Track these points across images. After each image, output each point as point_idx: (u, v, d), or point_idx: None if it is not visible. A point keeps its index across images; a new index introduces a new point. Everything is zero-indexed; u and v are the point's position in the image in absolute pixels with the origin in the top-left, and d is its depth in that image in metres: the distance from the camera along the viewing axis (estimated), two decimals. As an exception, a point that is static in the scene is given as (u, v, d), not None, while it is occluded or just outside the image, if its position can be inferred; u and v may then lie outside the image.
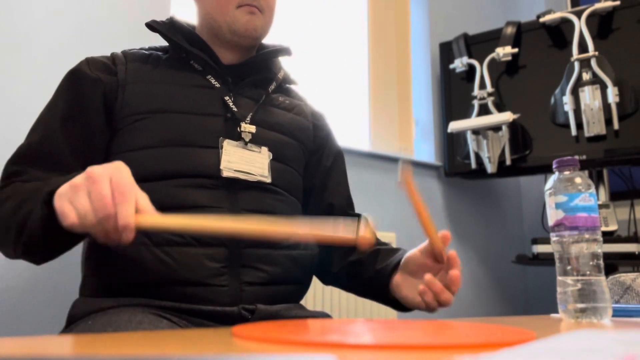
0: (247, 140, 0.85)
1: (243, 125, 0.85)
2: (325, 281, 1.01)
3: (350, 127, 2.04)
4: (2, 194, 0.75)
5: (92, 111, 0.82)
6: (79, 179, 0.60)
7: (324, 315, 0.90)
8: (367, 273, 0.89)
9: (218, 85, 0.87)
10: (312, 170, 0.99)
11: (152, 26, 0.90)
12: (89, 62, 0.85)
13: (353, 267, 0.93)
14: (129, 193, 0.58)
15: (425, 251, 0.80)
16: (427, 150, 2.28)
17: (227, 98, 0.86)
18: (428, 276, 0.75)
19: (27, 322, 1.12)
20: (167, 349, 0.40)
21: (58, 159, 0.79)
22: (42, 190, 0.65)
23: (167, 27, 0.90)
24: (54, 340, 0.46)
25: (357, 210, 1.07)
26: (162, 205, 0.77)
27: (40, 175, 0.76)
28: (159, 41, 0.94)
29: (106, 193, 0.57)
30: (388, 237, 1.76)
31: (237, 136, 0.84)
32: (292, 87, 1.02)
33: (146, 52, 0.90)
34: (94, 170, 0.59)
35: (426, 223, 0.74)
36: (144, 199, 0.60)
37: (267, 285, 0.80)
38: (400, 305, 0.87)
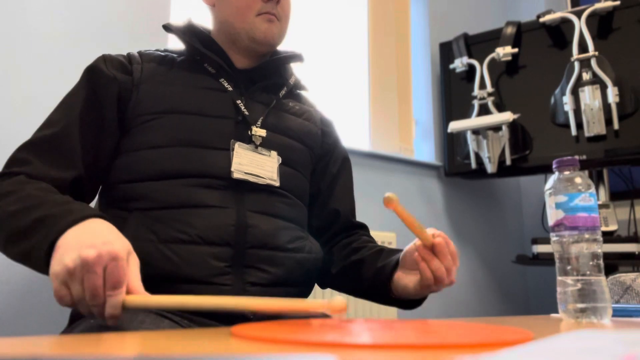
0: (257, 143, 0.86)
1: (254, 128, 0.86)
2: (323, 284, 1.00)
3: (350, 127, 2.04)
4: (3, 183, 0.74)
5: (106, 108, 0.83)
6: (74, 261, 0.59)
7: (324, 315, 0.91)
8: (369, 272, 0.89)
9: (230, 88, 0.88)
10: (319, 176, 1.00)
11: (169, 28, 0.90)
12: (105, 59, 0.86)
13: (355, 267, 0.93)
14: (119, 285, 0.58)
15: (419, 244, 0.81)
16: (427, 150, 2.28)
17: (238, 101, 0.87)
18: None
19: (28, 322, 1.12)
20: (166, 348, 0.40)
21: (68, 156, 0.79)
22: (42, 231, 0.66)
23: (182, 30, 0.91)
24: (54, 340, 0.46)
25: (357, 210, 1.07)
26: (170, 204, 0.77)
27: (44, 171, 0.76)
28: (160, 42, 0.94)
29: (99, 285, 0.58)
30: (388, 237, 1.76)
31: (247, 139, 0.86)
32: (303, 93, 1.03)
33: (161, 53, 0.92)
34: (89, 257, 0.58)
35: (413, 228, 0.76)
36: (136, 281, 0.61)
37: (271, 287, 0.80)
38: (400, 303, 0.87)
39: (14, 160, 0.78)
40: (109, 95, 0.83)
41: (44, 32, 1.24)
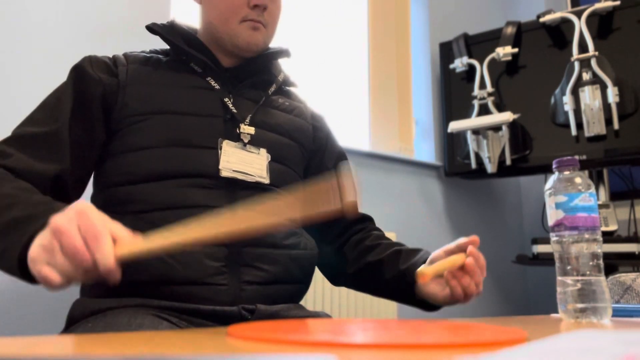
0: (246, 141, 0.85)
1: (242, 126, 0.86)
2: (337, 282, 1.01)
3: (350, 127, 2.04)
4: None
5: (92, 109, 0.83)
6: (46, 237, 0.57)
7: (324, 315, 0.90)
8: (391, 273, 0.90)
9: (218, 87, 0.88)
10: (315, 173, 1.00)
11: (152, 29, 0.90)
12: (91, 60, 0.86)
13: (373, 268, 0.93)
14: (100, 235, 0.55)
15: (450, 252, 0.82)
16: (427, 150, 2.28)
17: (226, 99, 0.87)
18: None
19: (27, 322, 1.12)
20: (161, 348, 0.40)
21: (54, 150, 0.78)
22: (13, 231, 0.62)
23: (167, 30, 0.91)
24: (54, 340, 0.46)
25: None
26: (162, 205, 0.77)
27: (24, 163, 0.74)
28: (160, 43, 0.94)
29: (79, 244, 0.54)
30: (388, 237, 1.76)
31: (236, 137, 0.85)
32: (292, 89, 1.03)
33: (147, 54, 0.91)
34: (58, 222, 0.55)
35: (449, 266, 0.78)
36: (118, 230, 0.57)
37: (267, 285, 0.80)
38: (424, 305, 0.87)
39: None
40: (95, 96, 0.83)
41: (43, 32, 1.24)
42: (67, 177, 0.80)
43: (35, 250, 0.58)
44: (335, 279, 1.01)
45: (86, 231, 0.55)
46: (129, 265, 0.74)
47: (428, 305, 0.88)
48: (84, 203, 0.59)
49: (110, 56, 0.89)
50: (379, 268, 0.92)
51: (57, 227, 0.55)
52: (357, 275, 0.96)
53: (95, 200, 0.84)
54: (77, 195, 0.84)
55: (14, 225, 0.63)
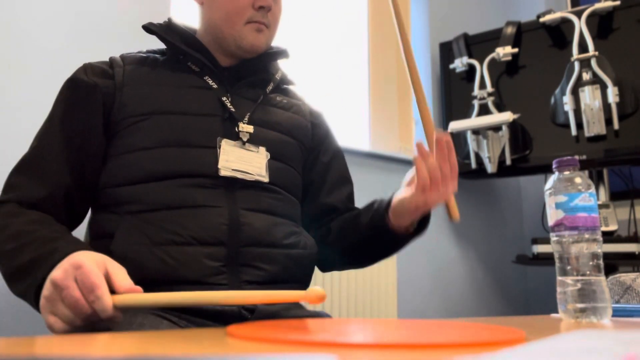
0: (244, 140, 0.85)
1: (241, 125, 0.86)
2: (325, 266, 1.00)
3: (350, 127, 2.04)
4: None
5: (89, 117, 0.83)
6: (48, 289, 0.62)
7: (324, 315, 0.90)
8: (366, 217, 0.91)
9: (215, 86, 0.88)
10: (310, 167, 1.00)
11: (149, 28, 0.90)
12: (86, 68, 0.86)
13: (351, 221, 0.94)
14: (96, 286, 0.58)
15: (411, 181, 0.84)
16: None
17: (224, 98, 0.87)
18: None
19: (27, 322, 1.12)
20: (161, 348, 0.40)
21: (53, 171, 0.80)
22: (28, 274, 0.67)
23: (164, 29, 0.91)
24: (54, 340, 0.46)
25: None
26: (162, 206, 0.77)
27: (34, 193, 0.77)
28: (159, 43, 0.94)
29: (78, 296, 0.59)
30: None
31: (235, 136, 0.85)
32: (290, 87, 1.03)
33: (143, 54, 0.91)
34: (57, 277, 0.60)
35: (420, 99, 0.76)
36: (117, 275, 0.61)
37: (267, 284, 0.80)
38: (402, 238, 0.89)
39: (7, 187, 0.79)
40: (92, 103, 0.83)
41: (44, 34, 1.24)
42: (75, 191, 0.81)
43: (42, 301, 0.63)
44: (323, 263, 0.99)
45: (83, 283, 0.59)
46: (128, 265, 0.74)
47: (402, 238, 0.89)
48: (81, 254, 0.63)
49: (107, 60, 0.89)
50: (356, 218, 0.93)
51: (56, 282, 0.60)
52: (339, 236, 0.95)
53: (96, 202, 0.84)
54: (86, 203, 0.85)
55: (30, 267, 0.67)
